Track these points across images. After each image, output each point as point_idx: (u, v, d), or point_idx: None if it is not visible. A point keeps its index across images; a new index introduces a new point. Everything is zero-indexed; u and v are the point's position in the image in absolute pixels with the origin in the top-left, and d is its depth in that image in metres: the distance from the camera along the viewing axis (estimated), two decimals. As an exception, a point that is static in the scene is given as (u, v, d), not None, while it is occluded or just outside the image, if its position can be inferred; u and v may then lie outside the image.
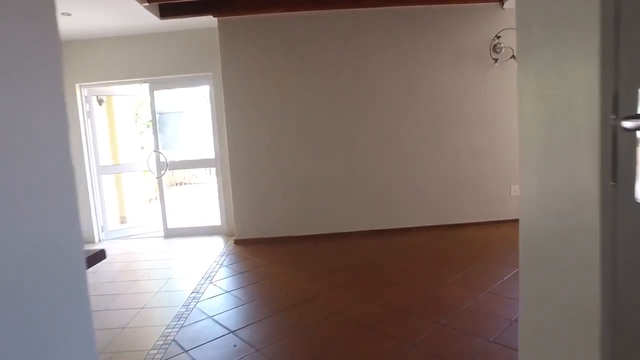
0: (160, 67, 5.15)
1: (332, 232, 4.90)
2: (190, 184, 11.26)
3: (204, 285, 3.55)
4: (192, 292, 3.40)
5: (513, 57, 4.65)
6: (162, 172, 5.32)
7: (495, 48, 4.70)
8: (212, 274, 3.85)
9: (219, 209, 5.42)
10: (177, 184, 10.75)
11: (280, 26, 4.67)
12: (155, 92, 5.29)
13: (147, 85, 5.32)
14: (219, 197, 5.40)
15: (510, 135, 4.90)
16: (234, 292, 3.40)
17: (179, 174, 10.56)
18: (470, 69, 4.77)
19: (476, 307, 2.84)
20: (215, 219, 5.55)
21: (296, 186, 4.87)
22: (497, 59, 4.69)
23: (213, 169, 5.68)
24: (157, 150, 5.32)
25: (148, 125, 11.16)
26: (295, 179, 4.86)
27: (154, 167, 5.34)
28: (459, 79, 4.78)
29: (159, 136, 5.38)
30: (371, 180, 4.90)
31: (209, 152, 5.50)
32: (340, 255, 4.24)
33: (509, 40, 4.69)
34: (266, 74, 4.72)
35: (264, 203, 4.87)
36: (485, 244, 4.29)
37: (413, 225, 4.93)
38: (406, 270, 3.64)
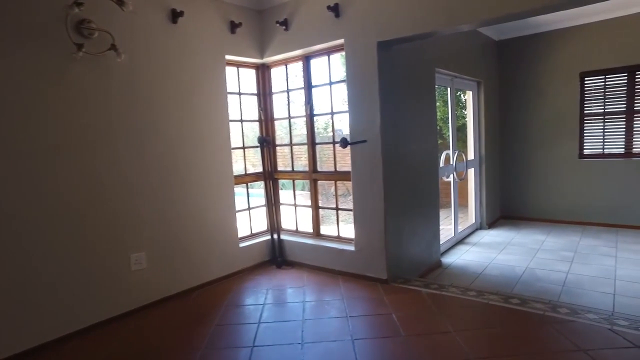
0: None
1: None
2: None
3: None
4: None
5: (113, 47, 2.81)
6: None
7: (79, 27, 2.73)
8: None
9: None
10: None
11: None
12: None
13: None
14: None
15: (121, 175, 3.01)
16: None
17: None
18: (33, 60, 2.59)
19: None
20: None
21: None
22: (83, 44, 2.72)
23: None
24: None
25: None
26: None
27: None
28: (13, 80, 2.52)
29: None
30: None
31: None
32: None
33: (106, 19, 2.83)
34: None
35: None
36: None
37: None
38: None
